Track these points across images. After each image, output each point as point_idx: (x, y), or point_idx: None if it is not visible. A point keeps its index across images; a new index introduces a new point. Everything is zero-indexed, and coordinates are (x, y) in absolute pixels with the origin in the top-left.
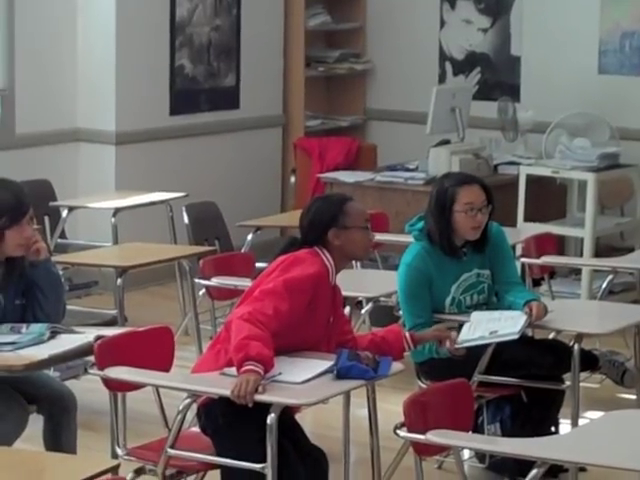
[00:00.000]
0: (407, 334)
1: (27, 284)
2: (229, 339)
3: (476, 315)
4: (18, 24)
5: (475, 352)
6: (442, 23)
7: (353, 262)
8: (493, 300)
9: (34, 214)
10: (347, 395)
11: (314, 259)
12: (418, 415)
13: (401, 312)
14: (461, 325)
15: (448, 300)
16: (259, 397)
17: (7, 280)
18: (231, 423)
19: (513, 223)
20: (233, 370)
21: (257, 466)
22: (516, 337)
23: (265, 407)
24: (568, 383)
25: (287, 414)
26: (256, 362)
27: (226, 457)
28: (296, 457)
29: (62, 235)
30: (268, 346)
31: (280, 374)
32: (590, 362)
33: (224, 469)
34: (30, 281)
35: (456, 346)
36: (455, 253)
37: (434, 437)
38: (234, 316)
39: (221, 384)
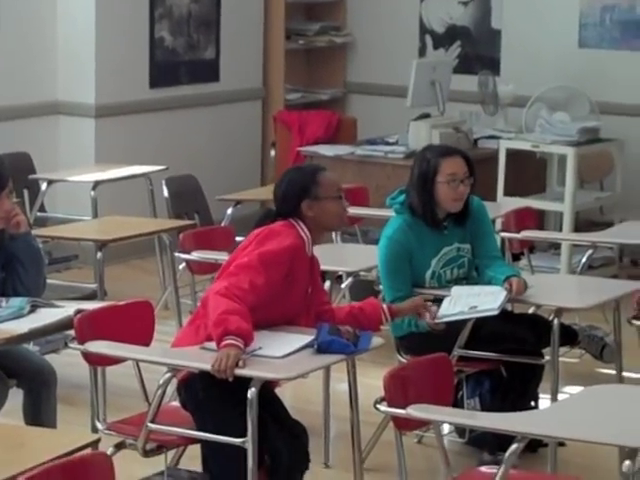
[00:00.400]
0: (385, 306)
1: (7, 257)
2: (207, 315)
3: (456, 290)
4: None
5: (455, 327)
6: None
7: (333, 235)
8: (473, 275)
9: (13, 187)
10: (327, 369)
11: (289, 231)
12: (398, 389)
13: (381, 286)
14: (440, 299)
15: (428, 274)
16: (239, 372)
17: None
18: (211, 398)
19: (493, 197)
20: (213, 344)
21: (237, 440)
22: (496, 313)
23: (245, 381)
24: (547, 358)
25: (267, 388)
26: (236, 336)
27: (207, 432)
28: (276, 431)
29: (41, 208)
30: (247, 320)
31: (260, 348)
32: (569, 337)
33: (204, 443)
34: (10, 254)
35: (436, 320)
36: (437, 225)
37: (414, 412)
38: (210, 292)
39: (201, 358)
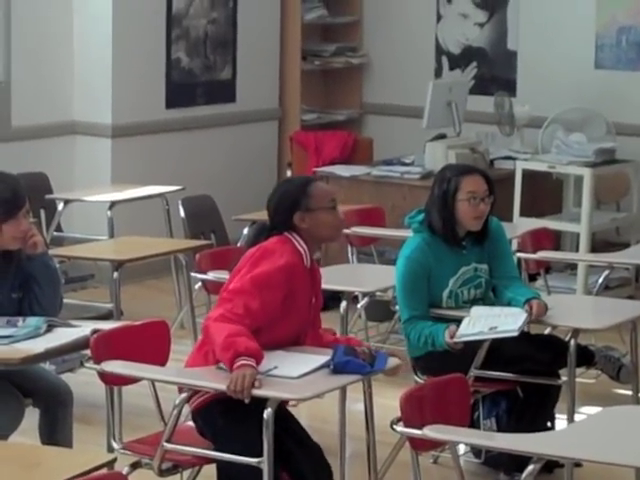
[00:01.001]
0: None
1: (24, 277)
2: (211, 342)
3: (476, 310)
4: (15, 17)
5: (471, 347)
6: (439, 17)
7: (349, 255)
8: (490, 295)
9: (30, 207)
10: (343, 389)
11: (284, 248)
12: (414, 410)
13: (397, 306)
14: (459, 320)
15: (445, 293)
16: (256, 392)
17: (3, 273)
18: (231, 422)
19: (509, 218)
20: None
21: (253, 460)
22: (515, 334)
23: (263, 402)
24: (564, 378)
25: (284, 410)
26: (247, 356)
27: (229, 453)
28: (302, 455)
29: (58, 228)
30: (252, 339)
31: (276, 368)
32: (586, 358)
33: (220, 464)
34: (27, 274)
35: (455, 340)
36: (457, 244)
37: (431, 432)
38: (208, 320)
39: (218, 378)
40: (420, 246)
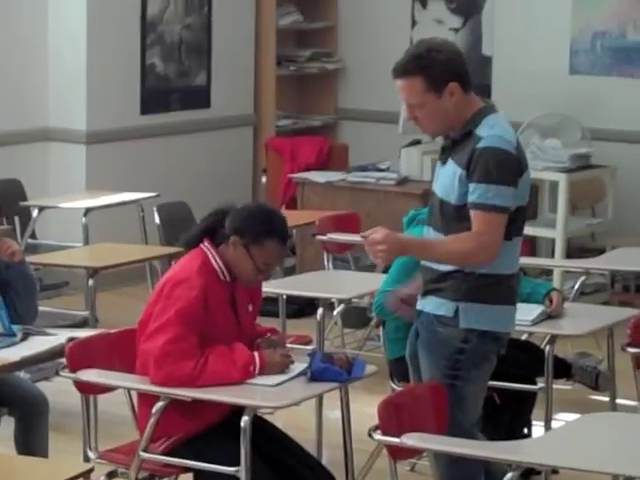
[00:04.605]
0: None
1: (0, 285)
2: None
3: None
4: None
5: None
6: (413, 23)
7: (325, 262)
8: None
9: (2, 214)
10: (320, 397)
11: (192, 270)
12: (392, 418)
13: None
14: None
15: None
16: (232, 400)
17: None
18: (208, 455)
19: None
20: None
21: (231, 469)
22: (529, 324)
23: (235, 426)
24: (541, 385)
25: (266, 423)
26: (246, 364)
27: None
28: (303, 470)
29: (32, 235)
30: (223, 351)
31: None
32: (563, 370)
33: (197, 473)
34: (3, 281)
35: None
36: None
37: (409, 440)
38: (154, 375)
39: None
40: None
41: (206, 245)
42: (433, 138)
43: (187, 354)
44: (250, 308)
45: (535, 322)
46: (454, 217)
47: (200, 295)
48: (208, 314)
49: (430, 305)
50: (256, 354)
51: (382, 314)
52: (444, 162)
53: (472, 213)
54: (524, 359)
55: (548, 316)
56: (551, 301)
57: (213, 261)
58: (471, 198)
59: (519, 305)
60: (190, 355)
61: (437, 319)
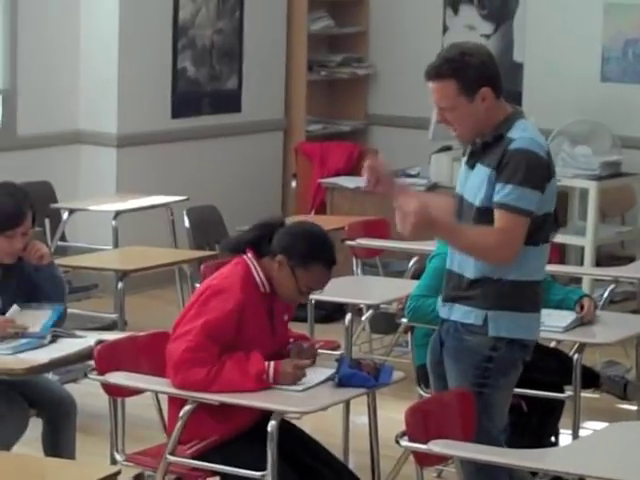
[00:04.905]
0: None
1: (29, 288)
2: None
3: None
4: (21, 25)
5: None
6: (445, 28)
7: (353, 267)
8: None
9: (34, 224)
10: (347, 402)
11: (234, 281)
12: (419, 424)
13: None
14: None
15: None
16: (259, 404)
17: (5, 283)
18: (236, 459)
19: None
20: None
21: (257, 474)
22: (561, 331)
23: (263, 430)
24: (569, 393)
25: (295, 428)
26: (259, 372)
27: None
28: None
29: (62, 238)
30: (237, 357)
31: None
32: (591, 380)
33: (224, 477)
34: (33, 284)
35: None
36: None
37: (436, 447)
38: (174, 378)
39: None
40: None
41: (249, 256)
42: (464, 145)
43: (204, 362)
44: (286, 317)
45: (567, 329)
46: (480, 219)
47: (234, 309)
48: (243, 325)
49: (457, 313)
50: (270, 364)
51: (414, 319)
52: (472, 167)
53: (496, 212)
54: (553, 366)
55: (580, 323)
56: (582, 307)
57: (255, 274)
58: (497, 197)
59: (551, 311)
60: (207, 363)
61: (465, 327)
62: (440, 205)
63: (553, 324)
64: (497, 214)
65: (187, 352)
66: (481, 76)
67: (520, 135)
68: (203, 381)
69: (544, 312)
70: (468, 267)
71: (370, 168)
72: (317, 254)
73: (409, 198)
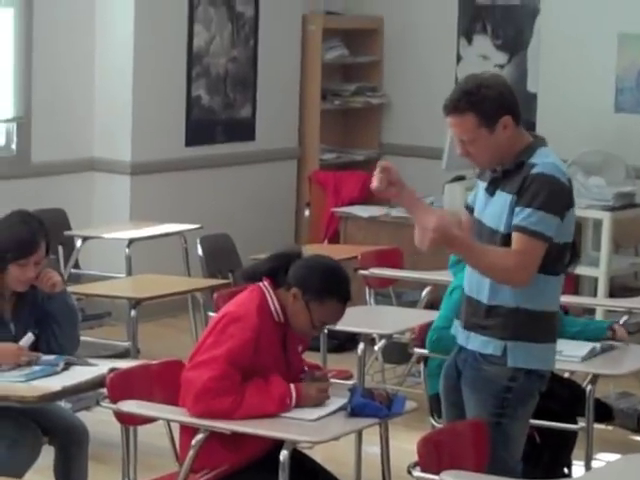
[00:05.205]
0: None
1: (41, 314)
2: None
3: None
4: (36, 53)
5: None
6: (459, 58)
7: (366, 297)
8: None
9: (48, 252)
10: (359, 432)
11: (250, 308)
12: (432, 454)
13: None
14: None
15: None
16: (271, 433)
17: (18, 310)
18: None
19: None
20: None
21: None
22: (578, 361)
23: (274, 459)
24: (582, 424)
25: (307, 459)
26: (283, 396)
27: None
28: None
29: (76, 265)
30: (260, 384)
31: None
32: (604, 412)
33: None
34: (45, 312)
35: None
36: None
37: (448, 477)
38: (193, 407)
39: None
40: None
41: (265, 285)
42: (485, 169)
43: (228, 391)
44: (300, 348)
45: (585, 359)
46: (508, 245)
47: (252, 337)
48: (258, 353)
49: (475, 343)
50: (292, 386)
51: (436, 350)
52: (492, 194)
53: (514, 234)
54: (565, 395)
55: (609, 347)
56: (614, 331)
57: (270, 303)
58: (515, 220)
59: (568, 342)
60: (232, 392)
61: (483, 357)
62: (455, 221)
63: (572, 353)
64: (515, 237)
65: (211, 381)
66: (500, 106)
67: (542, 161)
68: (228, 409)
69: (561, 342)
70: (483, 291)
71: (384, 168)
72: (332, 289)
73: (428, 214)
